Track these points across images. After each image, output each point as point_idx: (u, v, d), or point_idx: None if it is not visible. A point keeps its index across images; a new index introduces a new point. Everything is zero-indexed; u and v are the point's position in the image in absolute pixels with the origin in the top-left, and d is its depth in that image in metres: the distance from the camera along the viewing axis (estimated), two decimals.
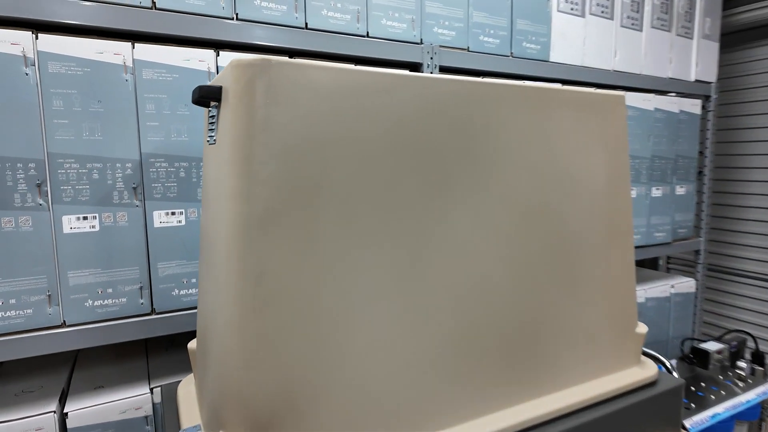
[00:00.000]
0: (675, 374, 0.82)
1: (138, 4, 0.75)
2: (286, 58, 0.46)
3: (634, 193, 1.34)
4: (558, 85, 0.67)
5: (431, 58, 0.99)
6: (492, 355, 0.59)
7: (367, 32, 0.93)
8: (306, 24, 0.87)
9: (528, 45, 1.13)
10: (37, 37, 0.69)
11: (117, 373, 0.87)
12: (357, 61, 0.95)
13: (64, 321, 0.74)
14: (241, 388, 0.44)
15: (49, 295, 0.73)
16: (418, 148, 0.53)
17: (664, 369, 0.85)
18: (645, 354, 0.85)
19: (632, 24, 1.31)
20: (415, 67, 1.01)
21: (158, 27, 0.76)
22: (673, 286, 1.47)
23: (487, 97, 0.57)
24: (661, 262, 1.92)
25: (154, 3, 0.76)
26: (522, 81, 1.13)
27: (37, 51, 0.69)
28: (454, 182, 0.56)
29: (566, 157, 0.65)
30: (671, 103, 1.40)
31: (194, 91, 0.50)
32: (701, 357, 1.33)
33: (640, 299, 1.41)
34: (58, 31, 0.73)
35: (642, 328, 0.73)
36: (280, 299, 0.46)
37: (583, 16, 1.21)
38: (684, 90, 1.47)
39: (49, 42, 0.70)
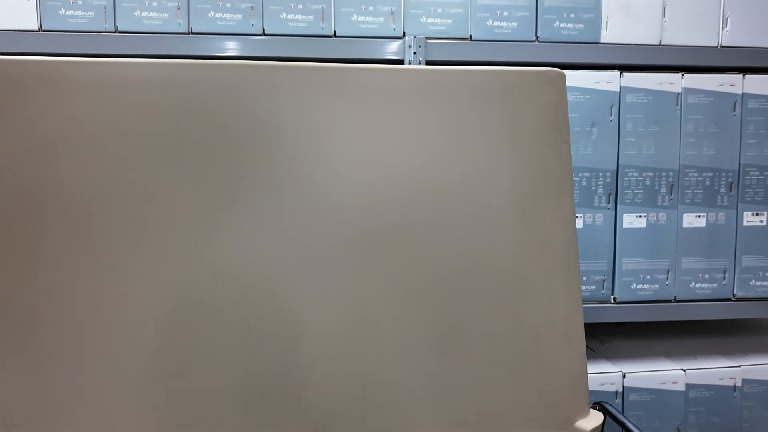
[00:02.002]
0: None
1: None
2: (8, 56, 0.42)
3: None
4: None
5: (414, 53, 0.84)
6: None
7: (335, 32, 0.85)
8: (263, 30, 0.83)
9: (564, 25, 0.88)
10: None
11: None
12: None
13: None
14: None
15: None
16: (177, 148, 0.44)
17: None
18: None
19: None
20: (397, 65, 0.88)
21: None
22: None
23: (260, 82, 0.44)
24: None
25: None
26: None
27: None
28: (245, 189, 0.45)
29: (447, 162, 0.47)
30: None
31: None
32: None
33: (735, 381, 0.96)
34: None
35: (592, 421, 0.47)
36: None
37: None
38: None
39: None
